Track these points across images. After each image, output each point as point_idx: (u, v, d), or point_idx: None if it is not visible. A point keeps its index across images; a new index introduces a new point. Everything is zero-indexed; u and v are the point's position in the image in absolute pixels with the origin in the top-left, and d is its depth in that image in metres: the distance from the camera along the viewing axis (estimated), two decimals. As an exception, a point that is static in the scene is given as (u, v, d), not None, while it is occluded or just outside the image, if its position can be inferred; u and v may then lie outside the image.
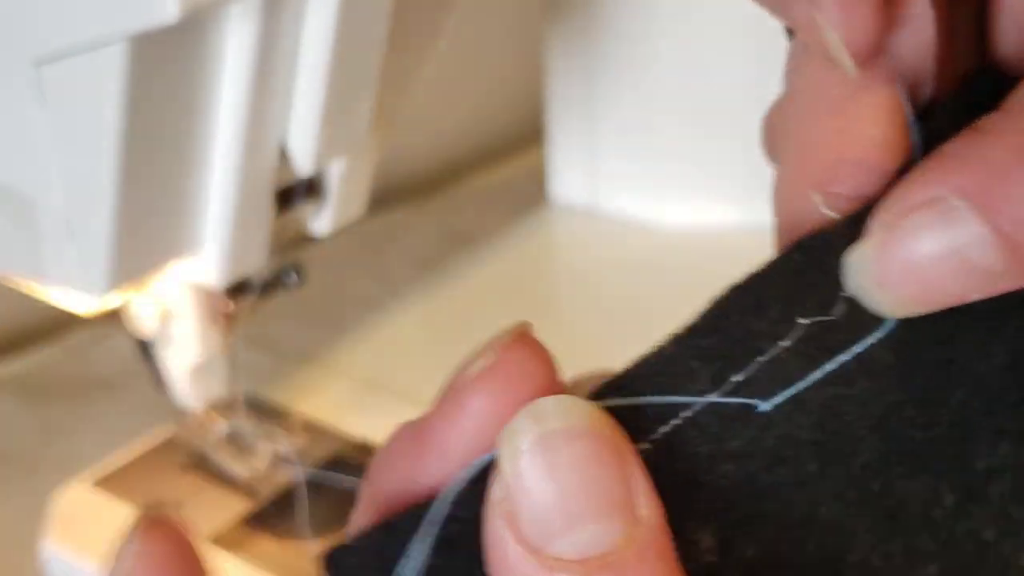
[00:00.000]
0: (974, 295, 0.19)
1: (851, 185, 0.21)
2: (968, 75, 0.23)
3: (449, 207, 0.80)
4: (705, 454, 0.20)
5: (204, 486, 0.49)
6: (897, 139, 0.21)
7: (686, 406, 0.20)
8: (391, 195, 0.77)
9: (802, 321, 0.20)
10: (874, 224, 0.20)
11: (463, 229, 0.74)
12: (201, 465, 0.50)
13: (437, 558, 0.20)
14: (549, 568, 0.18)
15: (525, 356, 0.20)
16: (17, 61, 0.33)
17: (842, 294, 0.20)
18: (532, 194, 0.71)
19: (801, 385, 0.20)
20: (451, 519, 0.20)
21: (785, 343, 0.20)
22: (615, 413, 0.19)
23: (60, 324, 0.65)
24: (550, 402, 0.19)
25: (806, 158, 0.22)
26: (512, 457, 0.18)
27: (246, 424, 0.50)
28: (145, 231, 0.38)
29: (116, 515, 0.47)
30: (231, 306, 0.46)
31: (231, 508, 0.47)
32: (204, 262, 0.41)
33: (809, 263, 0.21)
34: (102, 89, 0.33)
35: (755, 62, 0.59)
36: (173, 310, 0.45)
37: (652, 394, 0.20)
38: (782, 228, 0.23)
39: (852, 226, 0.21)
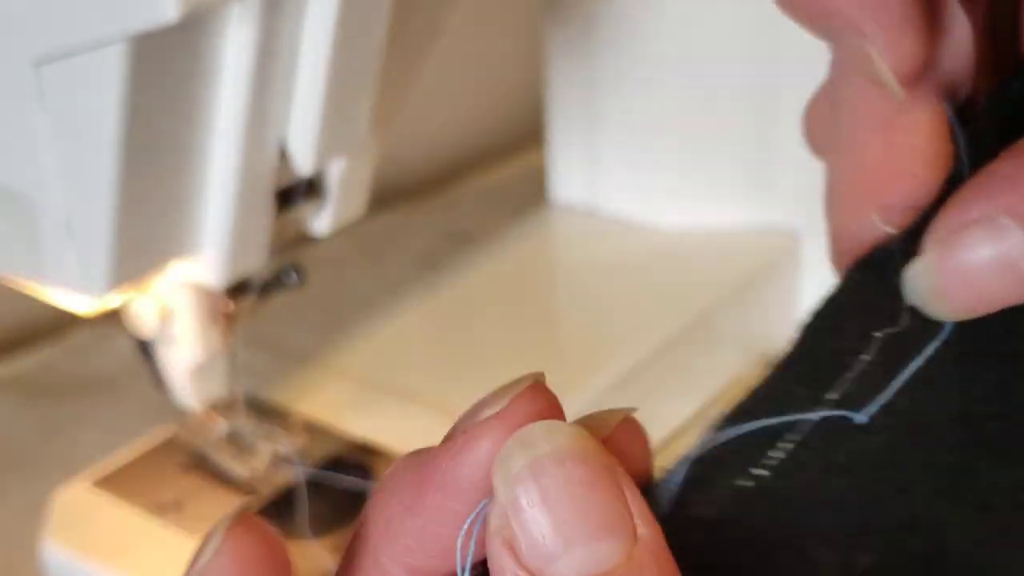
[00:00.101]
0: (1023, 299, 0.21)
1: (903, 197, 0.23)
2: (1003, 77, 0.25)
3: (449, 207, 0.80)
4: (817, 472, 0.21)
5: (204, 486, 0.49)
6: (944, 150, 0.23)
7: (795, 431, 0.22)
8: (391, 195, 0.77)
9: (877, 334, 0.22)
10: (929, 241, 0.22)
11: (463, 229, 0.74)
12: (201, 465, 0.50)
13: None
14: None
15: (537, 406, 0.20)
16: (17, 61, 0.33)
17: (904, 305, 0.22)
18: (532, 194, 0.71)
19: (888, 394, 0.22)
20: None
21: (866, 357, 0.22)
22: (730, 446, 0.21)
23: (60, 324, 0.65)
24: (538, 427, 0.19)
25: (859, 172, 0.24)
26: (505, 483, 0.19)
27: (246, 424, 0.50)
28: (145, 231, 0.38)
29: (116, 515, 0.47)
30: (231, 306, 0.46)
31: (231, 508, 0.47)
32: (204, 262, 0.41)
33: (872, 280, 0.23)
34: (102, 89, 0.33)
35: (755, 63, 0.59)
36: (173, 310, 0.45)
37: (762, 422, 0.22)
38: (838, 237, 0.25)
39: (908, 241, 0.23)
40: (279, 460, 0.49)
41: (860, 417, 0.22)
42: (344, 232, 0.46)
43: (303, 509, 0.46)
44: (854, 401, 0.22)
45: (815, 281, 0.60)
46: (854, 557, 0.21)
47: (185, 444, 0.50)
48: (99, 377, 0.62)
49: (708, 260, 0.61)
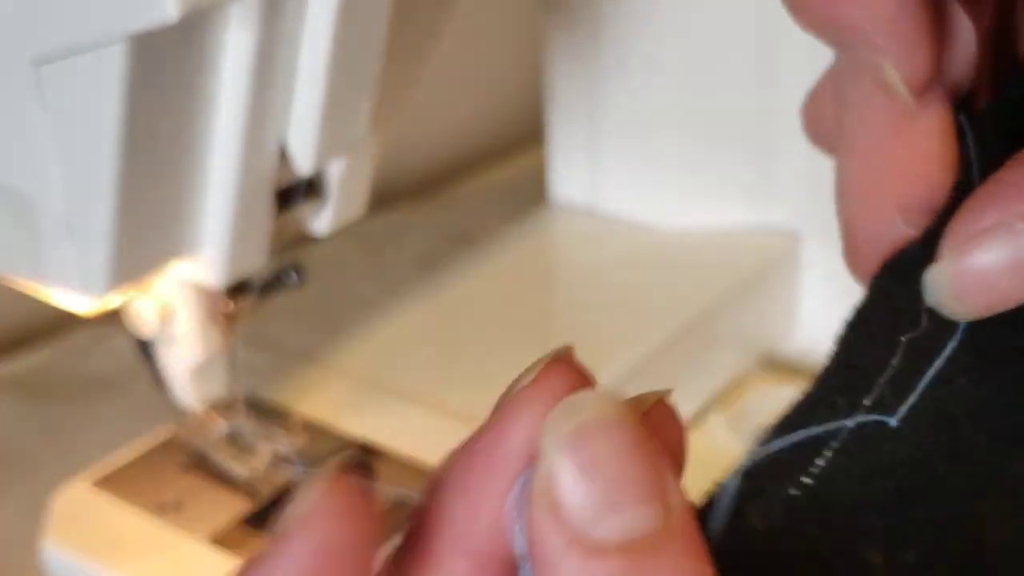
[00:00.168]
0: None
1: (921, 199, 0.24)
2: (1003, 77, 0.26)
3: (449, 207, 0.80)
4: (858, 476, 0.22)
5: (204, 486, 0.49)
6: (953, 153, 0.25)
7: (835, 438, 0.23)
8: (391, 195, 0.77)
9: (902, 338, 0.23)
10: (945, 247, 0.23)
11: (463, 229, 0.74)
12: (201, 465, 0.49)
13: None
14: (593, 554, 0.19)
15: (569, 377, 0.21)
16: (17, 61, 0.33)
17: (923, 307, 0.23)
18: (532, 194, 0.71)
19: (915, 395, 0.23)
20: None
21: (895, 360, 0.23)
22: (779, 455, 0.22)
23: (60, 324, 0.65)
24: (587, 395, 0.20)
25: (874, 174, 0.25)
26: (553, 449, 0.19)
27: (246, 424, 0.50)
28: (145, 231, 0.38)
29: (116, 515, 0.47)
30: (231, 306, 0.46)
31: (231, 508, 0.47)
32: (204, 262, 0.41)
33: (896, 286, 0.24)
34: (102, 89, 0.33)
35: (756, 65, 0.59)
36: (173, 310, 0.45)
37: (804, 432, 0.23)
38: (857, 238, 0.26)
39: (926, 245, 0.24)
40: (279, 460, 0.49)
41: (892, 421, 0.22)
42: (344, 232, 0.46)
43: (303, 509, 0.46)
44: (886, 405, 0.23)
45: (815, 281, 0.60)
46: (899, 556, 0.21)
47: (185, 444, 0.50)
48: (99, 377, 0.62)
49: (708, 260, 0.61)
